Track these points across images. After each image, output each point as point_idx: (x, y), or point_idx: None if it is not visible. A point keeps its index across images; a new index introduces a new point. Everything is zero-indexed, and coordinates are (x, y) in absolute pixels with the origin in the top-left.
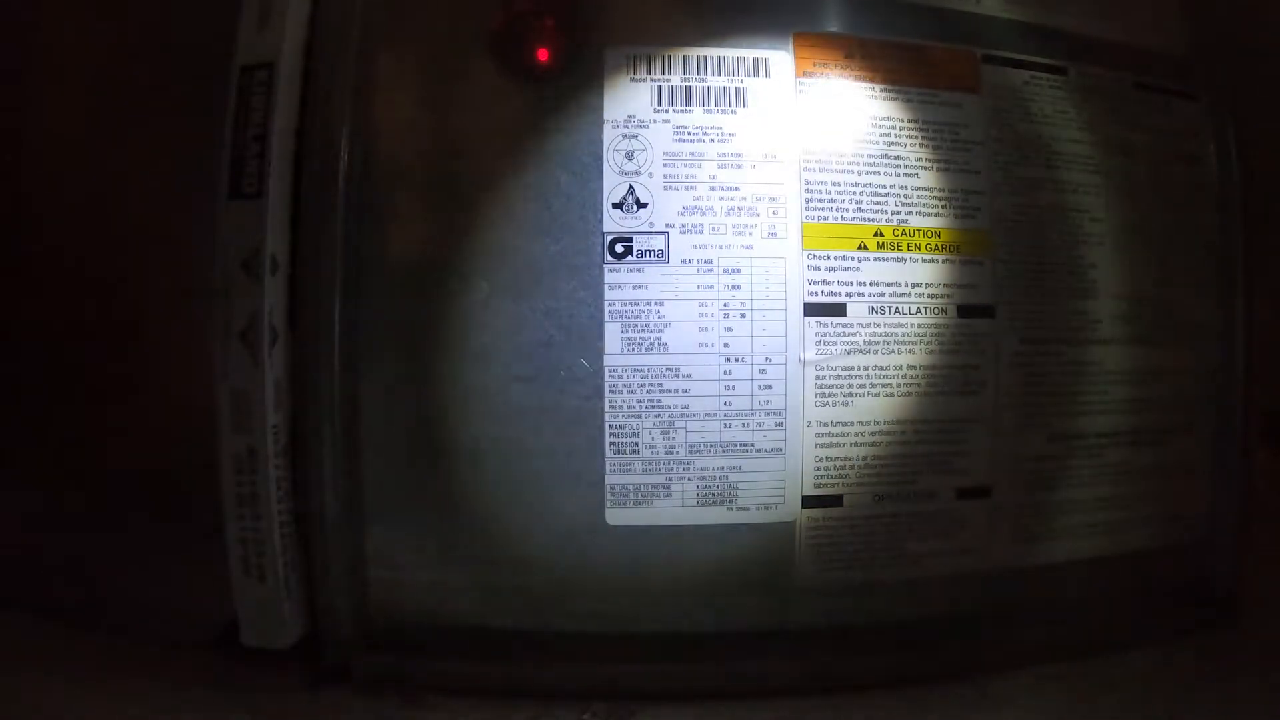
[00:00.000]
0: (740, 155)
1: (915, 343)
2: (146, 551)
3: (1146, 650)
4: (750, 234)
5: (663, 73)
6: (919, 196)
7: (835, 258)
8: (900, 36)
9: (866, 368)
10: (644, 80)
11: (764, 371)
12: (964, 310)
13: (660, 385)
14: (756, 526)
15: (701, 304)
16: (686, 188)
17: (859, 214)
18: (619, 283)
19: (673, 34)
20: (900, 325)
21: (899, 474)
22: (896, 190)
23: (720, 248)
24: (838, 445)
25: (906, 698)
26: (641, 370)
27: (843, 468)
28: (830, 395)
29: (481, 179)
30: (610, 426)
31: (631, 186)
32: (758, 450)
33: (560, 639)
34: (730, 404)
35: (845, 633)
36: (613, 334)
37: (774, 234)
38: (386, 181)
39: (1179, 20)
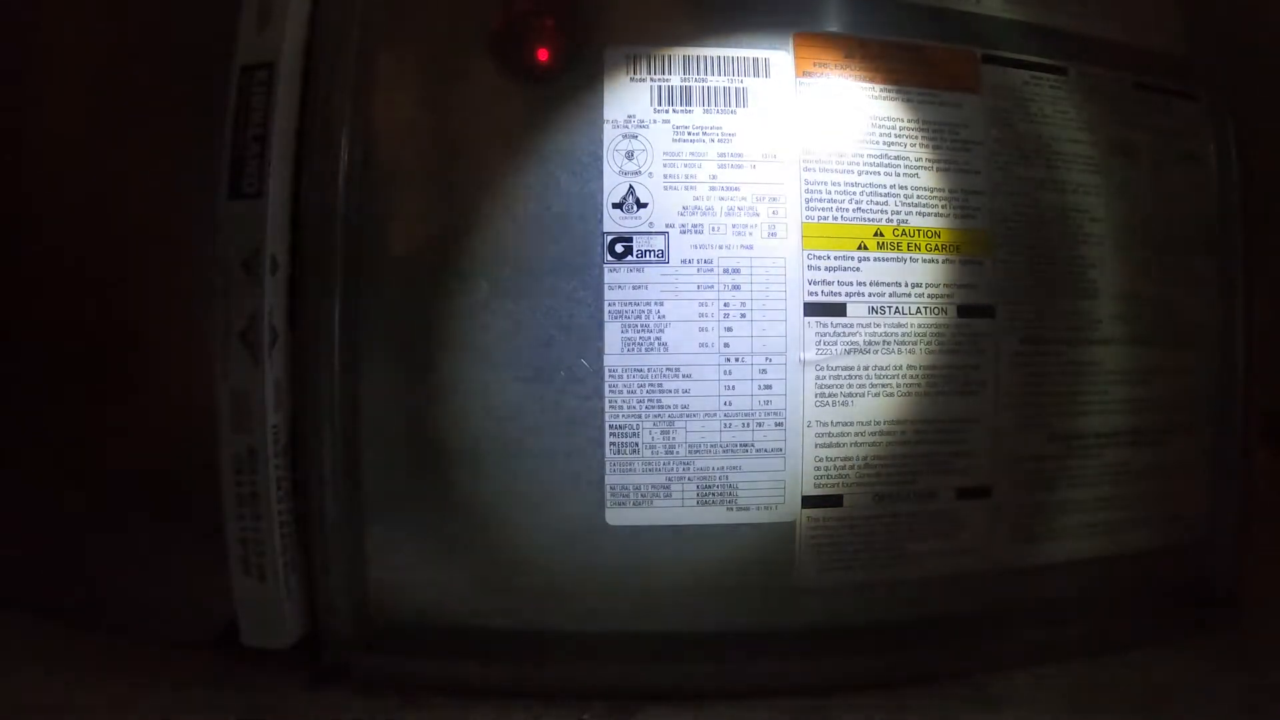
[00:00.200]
0: (740, 155)
1: (915, 343)
2: (146, 551)
3: (1146, 650)
4: (750, 234)
5: (663, 73)
6: (919, 196)
7: (835, 258)
8: (900, 36)
9: (866, 368)
10: (644, 80)
11: (764, 371)
12: (964, 310)
13: (660, 385)
14: (756, 526)
15: (701, 304)
16: (686, 188)
17: (859, 214)
18: (619, 283)
19: (673, 34)
20: (900, 325)
21: (899, 474)
22: (896, 190)
23: (720, 248)
24: (838, 445)
25: (906, 698)
26: (641, 370)
27: (843, 468)
28: (830, 395)
29: (481, 179)
30: (610, 426)
31: (631, 186)
32: (758, 450)
33: (560, 639)
34: (730, 404)
35: (845, 633)
36: (613, 334)
37: (774, 234)
38: (386, 181)
39: (1179, 20)
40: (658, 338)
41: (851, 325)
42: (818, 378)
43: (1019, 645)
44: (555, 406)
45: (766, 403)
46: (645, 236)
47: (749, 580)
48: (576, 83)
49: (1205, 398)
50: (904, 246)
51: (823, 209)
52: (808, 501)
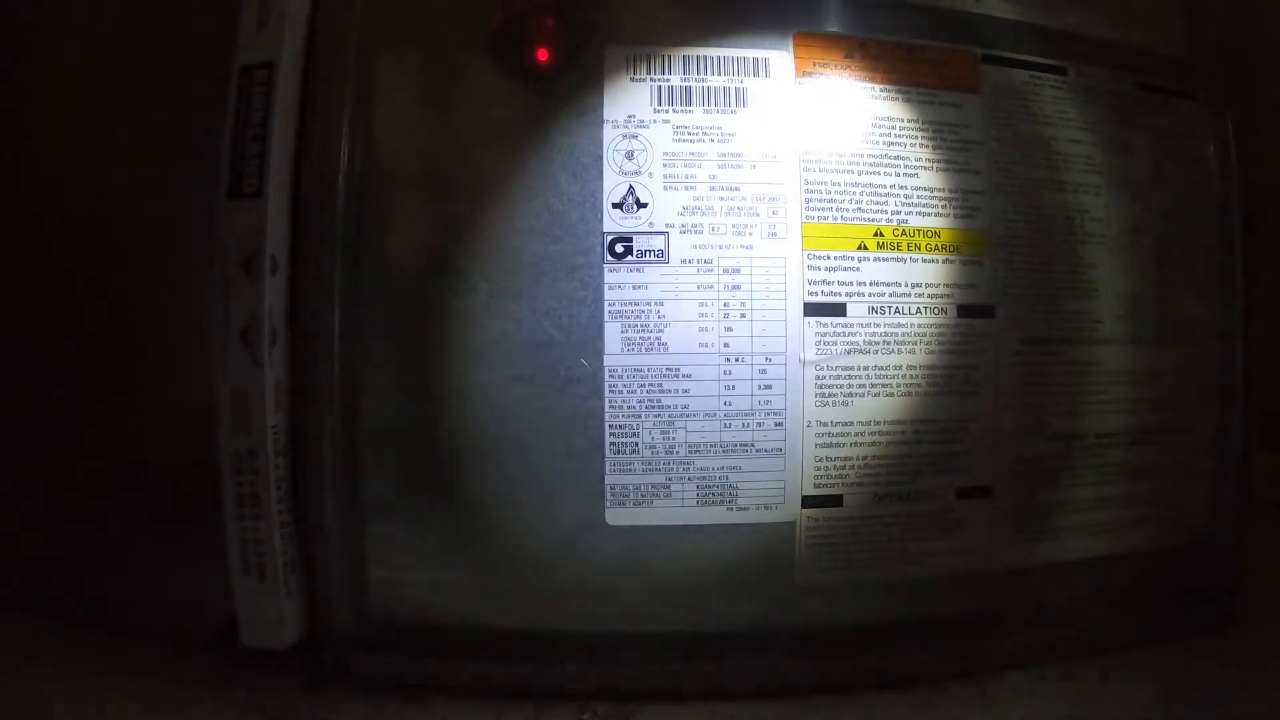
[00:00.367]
0: (740, 155)
1: (915, 343)
2: (146, 551)
3: (1146, 650)
4: (750, 234)
5: (663, 73)
6: (919, 196)
7: (835, 258)
8: (900, 36)
9: (866, 368)
10: (644, 80)
11: (764, 371)
12: (964, 310)
13: (660, 385)
14: (756, 526)
15: (701, 304)
16: (686, 188)
17: (859, 214)
18: (619, 283)
19: (673, 34)
20: (900, 325)
21: (899, 474)
22: (896, 190)
23: (720, 248)
24: (838, 445)
25: (906, 698)
26: (641, 370)
27: (843, 468)
28: (830, 395)
29: (481, 179)
30: (610, 426)
31: (631, 186)
32: (758, 450)
33: (560, 639)
34: (730, 404)
35: (845, 633)
36: (613, 334)
37: (774, 234)
38: (386, 181)
39: (1179, 20)
40: (658, 338)
41: (851, 325)
42: (818, 378)
43: (1019, 645)
44: (555, 406)
45: (766, 403)
46: (645, 236)
47: (749, 580)
48: (576, 83)
49: (1205, 398)
50: (904, 246)
51: (823, 209)
52: (808, 501)
